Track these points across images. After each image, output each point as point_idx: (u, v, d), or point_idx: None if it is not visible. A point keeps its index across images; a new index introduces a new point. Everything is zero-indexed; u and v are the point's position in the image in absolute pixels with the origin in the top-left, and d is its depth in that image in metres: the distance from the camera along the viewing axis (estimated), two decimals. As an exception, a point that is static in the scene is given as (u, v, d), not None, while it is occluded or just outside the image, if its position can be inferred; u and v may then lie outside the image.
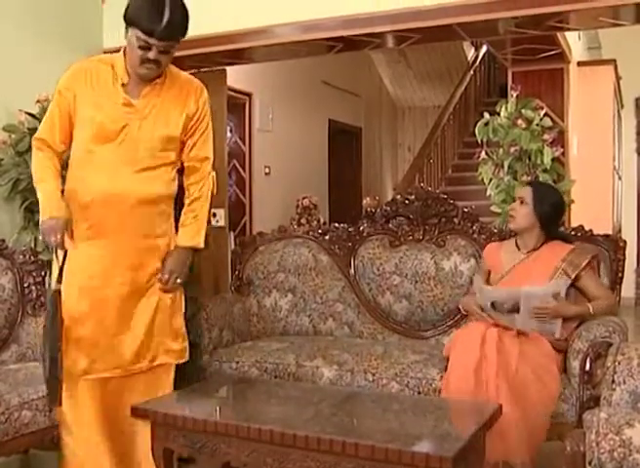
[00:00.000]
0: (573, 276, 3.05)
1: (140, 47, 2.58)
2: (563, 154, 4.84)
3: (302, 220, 7.39)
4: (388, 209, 3.90)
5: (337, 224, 4.07)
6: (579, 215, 5.07)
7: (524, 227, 3.19)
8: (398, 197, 3.91)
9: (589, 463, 1.63)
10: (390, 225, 3.88)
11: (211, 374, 3.43)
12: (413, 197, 3.82)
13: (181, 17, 2.61)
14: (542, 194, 3.20)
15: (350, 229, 3.97)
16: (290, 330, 3.93)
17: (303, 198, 7.42)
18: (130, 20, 2.59)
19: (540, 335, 2.94)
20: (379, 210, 3.95)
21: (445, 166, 8.72)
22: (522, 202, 3.19)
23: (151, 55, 2.59)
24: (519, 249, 3.24)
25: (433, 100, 10.86)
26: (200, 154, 2.93)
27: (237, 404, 2.76)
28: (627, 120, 8.30)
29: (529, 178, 4.58)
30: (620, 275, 3.32)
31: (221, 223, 5.22)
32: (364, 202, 6.46)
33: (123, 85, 2.76)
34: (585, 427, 1.67)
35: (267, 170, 7.23)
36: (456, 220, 3.74)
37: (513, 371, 2.73)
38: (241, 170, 6.92)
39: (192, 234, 2.90)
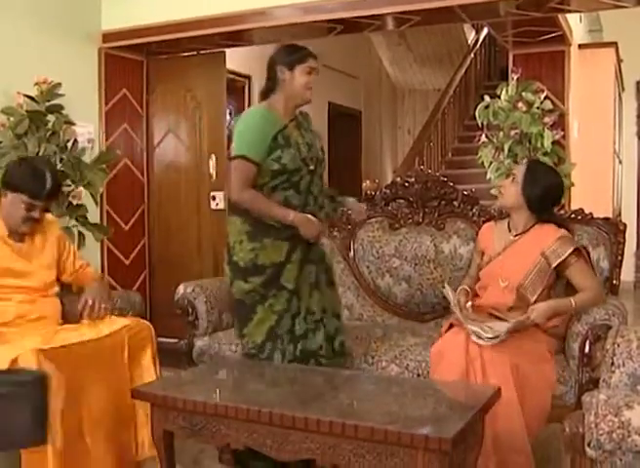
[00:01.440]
0: (554, 265, 2.95)
1: (26, 209, 2.91)
2: (563, 137, 4.82)
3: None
4: (388, 191, 3.89)
5: (336, 207, 4.05)
6: (578, 199, 5.06)
7: (510, 206, 3.08)
8: (398, 180, 3.90)
9: (588, 444, 1.63)
10: (390, 208, 3.88)
11: (210, 357, 3.43)
12: (413, 180, 3.81)
13: (57, 179, 3.00)
14: (536, 175, 3.04)
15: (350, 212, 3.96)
16: (289, 312, 3.92)
17: (302, 181, 7.40)
18: (14, 187, 2.91)
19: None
20: (378, 192, 3.94)
21: (445, 149, 8.68)
22: (513, 179, 3.07)
23: (35, 214, 2.94)
24: (510, 230, 3.13)
25: (433, 83, 10.80)
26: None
27: (237, 386, 2.76)
28: (628, 103, 8.27)
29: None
30: (619, 258, 3.32)
31: (221, 206, 5.22)
32: (364, 185, 6.43)
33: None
34: (584, 409, 1.67)
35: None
36: (455, 203, 3.73)
37: (511, 372, 2.69)
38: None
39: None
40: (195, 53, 5.27)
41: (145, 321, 3.01)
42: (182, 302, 3.55)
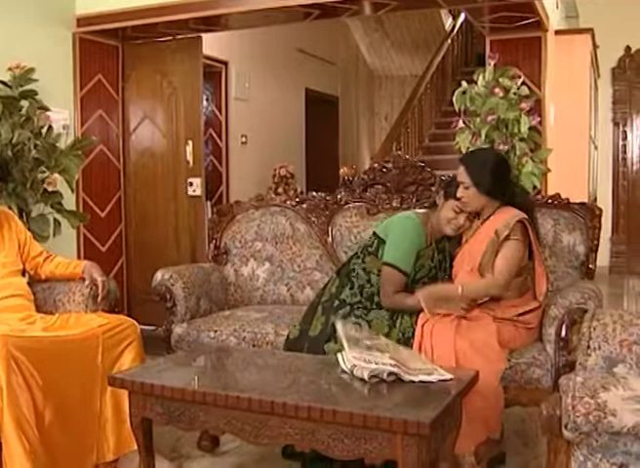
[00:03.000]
0: (502, 238, 2.88)
1: None
2: (540, 123, 4.84)
3: (279, 190, 7.37)
4: (366, 177, 3.88)
5: (314, 193, 4.05)
6: (555, 184, 5.09)
7: (477, 209, 3.01)
8: (376, 165, 3.89)
9: (565, 426, 1.64)
10: (368, 193, 3.87)
11: (188, 343, 3.42)
12: (390, 165, 3.80)
13: None
14: (477, 168, 2.94)
15: (328, 198, 3.96)
16: (267, 299, 3.92)
17: (280, 167, 7.39)
18: None
19: (480, 314, 2.89)
20: (356, 178, 3.93)
21: (422, 135, 8.70)
22: (465, 187, 2.95)
23: None
24: (478, 218, 3.07)
25: (410, 69, 10.81)
26: None
27: (215, 372, 2.76)
28: (603, 90, 8.33)
29: (506, 147, 4.59)
30: (595, 243, 3.34)
31: (198, 192, 5.20)
32: (341, 171, 6.41)
33: None
34: (562, 391, 1.68)
35: (244, 139, 7.17)
36: (433, 188, 3.73)
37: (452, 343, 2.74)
38: (218, 139, 6.86)
39: None
40: (171, 38, 5.22)
41: (129, 318, 2.98)
42: (160, 289, 3.52)
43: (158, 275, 3.56)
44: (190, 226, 5.28)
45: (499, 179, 2.98)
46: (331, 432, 2.20)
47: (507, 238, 2.88)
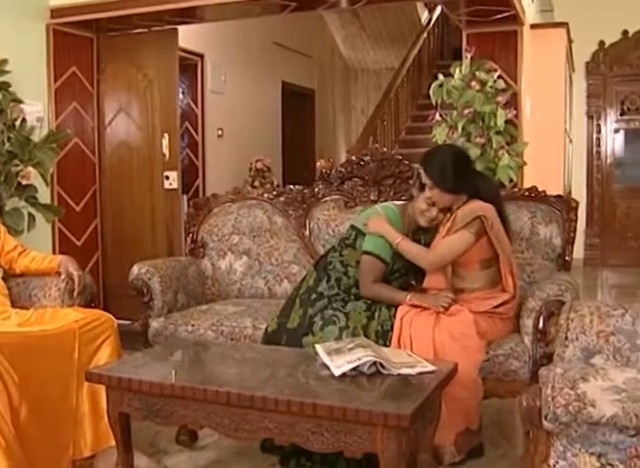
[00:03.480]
0: (457, 228, 2.90)
1: None
2: (516, 116, 4.86)
3: (256, 183, 7.35)
4: (343, 170, 3.87)
5: (291, 186, 4.04)
6: (531, 177, 5.12)
7: (448, 203, 3.00)
8: (353, 158, 3.88)
9: (545, 417, 1.65)
10: (345, 186, 3.87)
11: (166, 338, 3.40)
12: (368, 158, 3.80)
13: None
14: (436, 169, 2.94)
15: (305, 191, 3.95)
16: (245, 292, 3.90)
17: (257, 160, 7.37)
18: None
19: (457, 307, 2.89)
20: (333, 171, 3.92)
21: (398, 128, 8.71)
22: (429, 187, 2.96)
23: None
24: (451, 209, 3.06)
25: (386, 63, 10.82)
26: None
27: (193, 366, 2.74)
28: (578, 84, 8.39)
29: (482, 140, 4.61)
30: (572, 235, 3.37)
31: (174, 186, 5.17)
32: (318, 164, 6.43)
33: None
34: (541, 382, 1.69)
35: (220, 132, 7.13)
36: (411, 181, 3.73)
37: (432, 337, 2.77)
38: (194, 132, 6.82)
39: None
40: (147, 30, 5.16)
41: (106, 313, 2.95)
42: (137, 283, 3.50)
43: (135, 269, 3.53)
44: (167, 220, 5.25)
45: (460, 175, 2.98)
46: (310, 425, 2.20)
47: (462, 228, 2.90)
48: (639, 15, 8.14)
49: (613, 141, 8.57)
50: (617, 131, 8.57)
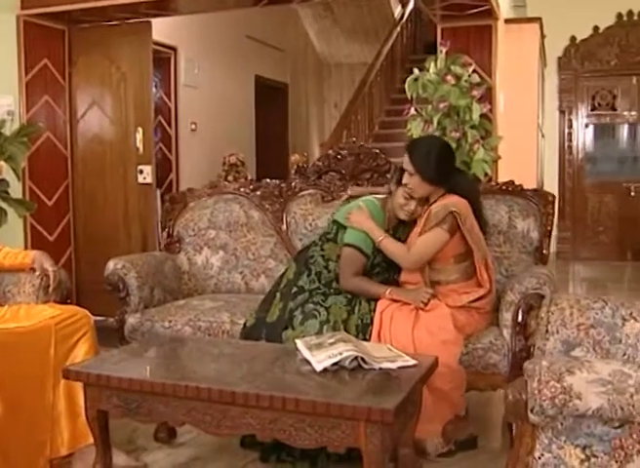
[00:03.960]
0: (431, 225, 2.92)
1: None
2: (490, 111, 4.87)
3: (229, 177, 7.30)
4: (320, 164, 3.86)
5: (268, 180, 4.01)
6: (504, 171, 5.15)
7: (423, 196, 3.01)
8: (330, 152, 3.87)
9: (531, 410, 1.65)
10: (322, 180, 3.85)
11: (142, 334, 3.36)
12: (345, 152, 3.79)
13: None
14: (421, 156, 2.95)
15: (282, 185, 3.93)
16: (221, 287, 3.87)
17: (230, 155, 7.32)
18: None
19: (434, 303, 2.89)
20: (310, 165, 3.91)
21: (372, 122, 8.71)
22: (410, 174, 2.96)
23: None
24: (428, 202, 3.07)
25: (359, 57, 10.79)
26: None
27: (172, 362, 2.70)
28: (550, 79, 8.46)
29: (457, 134, 4.61)
30: (549, 228, 3.39)
31: (149, 180, 5.11)
32: (292, 158, 6.40)
33: None
34: (527, 376, 1.69)
35: (194, 126, 7.07)
36: (388, 175, 3.73)
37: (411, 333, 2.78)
38: (167, 126, 6.75)
39: None
40: (120, 22, 5.09)
41: (83, 309, 2.90)
42: (113, 278, 3.45)
43: (110, 264, 3.48)
44: (141, 214, 5.19)
45: (442, 167, 3.00)
46: (293, 421, 2.19)
47: (435, 225, 2.91)
48: (609, 11, 8.24)
49: (584, 136, 8.67)
50: (587, 126, 8.66)
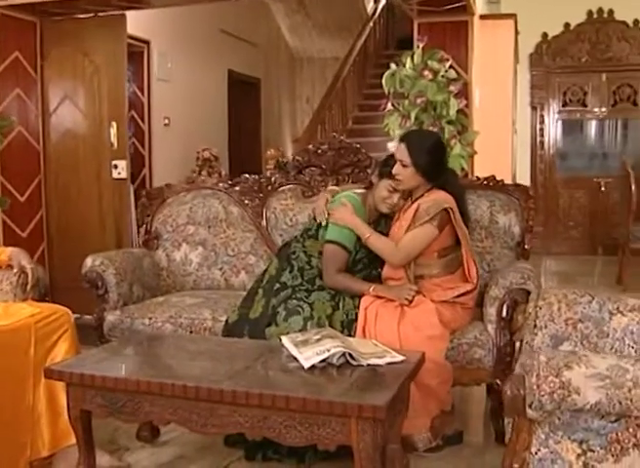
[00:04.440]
0: (419, 222, 2.92)
1: None
2: (467, 106, 4.88)
3: (203, 173, 7.23)
4: (300, 158, 3.83)
5: (247, 175, 3.97)
6: (480, 167, 5.16)
7: (412, 187, 3.01)
8: (310, 147, 3.84)
9: (530, 406, 1.65)
10: (302, 175, 3.82)
11: (122, 331, 3.31)
12: (325, 147, 3.77)
13: None
14: (417, 148, 2.94)
15: (261, 180, 3.89)
16: (201, 284, 3.83)
17: (204, 150, 7.25)
18: None
19: (419, 298, 2.89)
20: (290, 160, 3.88)
21: (346, 117, 8.69)
22: (403, 165, 2.95)
23: None
24: (411, 197, 3.07)
25: (332, 52, 10.76)
26: None
27: (156, 361, 2.65)
28: (522, 75, 8.50)
29: (435, 129, 4.61)
30: (530, 223, 3.40)
31: (123, 175, 5.04)
32: (267, 153, 6.35)
33: None
34: (525, 371, 1.68)
35: (167, 121, 6.98)
36: (369, 170, 3.71)
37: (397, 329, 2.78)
38: (140, 121, 6.64)
39: None
40: (93, 14, 5.00)
41: (62, 307, 2.83)
42: (91, 275, 3.38)
43: (88, 261, 3.42)
44: (115, 210, 5.11)
45: (436, 161, 3.01)
46: (282, 419, 2.16)
47: (426, 222, 2.90)
48: (580, 8, 8.31)
49: (555, 132, 8.73)
50: (559, 122, 8.73)
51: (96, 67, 5.00)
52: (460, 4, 5.05)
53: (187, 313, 3.27)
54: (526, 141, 8.57)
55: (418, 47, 4.73)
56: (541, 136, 8.67)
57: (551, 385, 1.60)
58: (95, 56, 4.99)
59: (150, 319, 3.28)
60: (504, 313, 2.87)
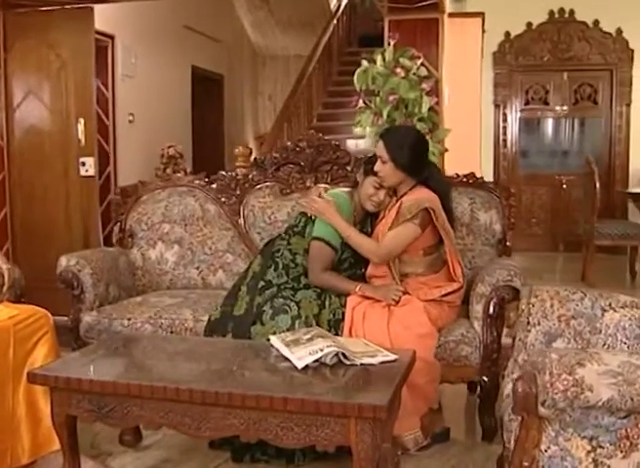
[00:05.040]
0: (402, 220, 2.90)
1: None
2: (437, 104, 4.90)
3: (168, 170, 7.12)
4: (278, 156, 3.78)
5: (223, 172, 3.91)
6: (450, 164, 5.16)
7: (394, 184, 2.99)
8: (289, 144, 3.79)
9: (542, 404, 1.63)
10: (280, 173, 3.77)
11: (99, 333, 3.22)
12: (304, 144, 3.72)
13: None
14: (396, 144, 2.92)
15: (238, 177, 3.84)
16: (177, 283, 3.75)
17: (169, 147, 7.14)
18: None
19: (407, 297, 2.88)
20: (268, 157, 3.82)
21: (311, 115, 8.65)
22: (383, 161, 2.93)
23: None
24: (396, 194, 3.06)
25: (295, 49, 10.71)
26: None
27: (144, 363, 2.57)
28: (485, 73, 8.55)
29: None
30: (512, 221, 3.41)
31: (91, 172, 4.93)
32: (236, 151, 6.25)
33: None
34: (536, 369, 1.67)
35: (131, 117, 6.85)
36: (348, 168, 3.69)
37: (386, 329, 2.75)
38: (104, 117, 6.50)
39: None
40: (59, 7, 4.86)
41: (41, 309, 2.74)
42: (66, 275, 3.29)
43: (63, 261, 3.32)
44: (83, 208, 4.98)
45: (416, 156, 2.99)
46: (279, 421, 2.12)
47: (407, 220, 2.89)
48: (542, 9, 8.39)
49: (518, 130, 8.81)
50: (521, 120, 8.81)
51: (62, 62, 4.86)
52: (431, 2, 5.05)
53: (167, 313, 3.20)
54: (489, 139, 8.63)
55: (389, 44, 4.72)
56: (504, 133, 8.73)
57: (565, 383, 1.59)
58: (61, 50, 4.85)
59: (129, 320, 3.20)
60: (491, 310, 2.87)
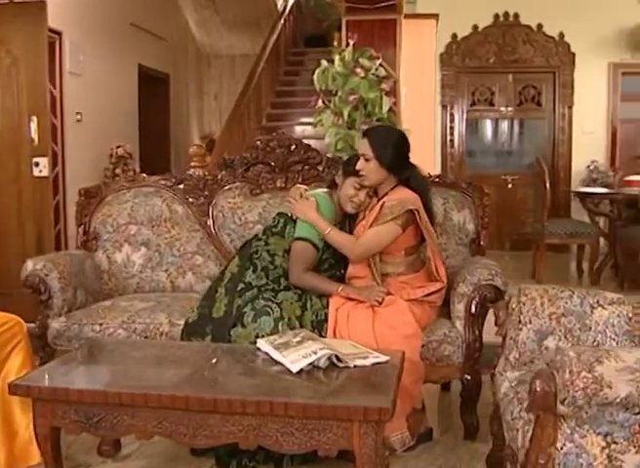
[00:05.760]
0: (384, 220, 2.89)
1: None
2: (395, 104, 4.91)
3: (117, 170, 6.97)
4: (248, 155, 3.72)
5: (191, 172, 3.84)
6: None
7: (377, 182, 2.98)
8: (259, 143, 3.73)
9: (562, 402, 1.64)
10: (250, 173, 3.72)
11: (69, 339, 3.10)
12: (274, 143, 3.67)
13: None
14: (380, 142, 2.93)
15: (207, 178, 3.76)
16: (145, 286, 3.65)
17: (118, 147, 7.00)
18: None
19: (390, 297, 2.86)
20: (237, 157, 3.76)
21: (260, 115, 8.58)
22: (366, 159, 2.93)
23: None
24: (376, 194, 3.05)
25: (241, 48, 10.63)
26: None
27: (130, 370, 2.44)
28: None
29: (366, 127, 4.60)
30: (485, 220, 3.43)
31: (45, 173, 4.79)
32: (190, 150, 6.15)
33: None
34: (554, 367, 1.67)
35: (79, 116, 6.65)
36: (320, 168, 3.66)
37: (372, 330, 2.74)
38: (52, 116, 6.28)
39: None
40: (9, 1, 4.68)
41: (14, 316, 2.61)
42: (33, 280, 3.15)
43: (29, 265, 3.19)
44: (36, 210, 4.82)
45: (399, 155, 2.99)
46: (279, 426, 2.07)
47: (390, 220, 2.88)
48: (488, 12, 8.53)
49: (465, 130, 8.93)
50: (468, 120, 8.93)
51: (13, 58, 4.70)
52: (389, 3, 5.07)
53: (141, 318, 3.10)
54: (437, 140, 8.72)
55: (347, 44, 4.72)
56: (451, 134, 8.82)
57: (584, 380, 1.60)
58: (12, 45, 4.70)
59: (101, 325, 3.09)
60: (474, 309, 2.88)
